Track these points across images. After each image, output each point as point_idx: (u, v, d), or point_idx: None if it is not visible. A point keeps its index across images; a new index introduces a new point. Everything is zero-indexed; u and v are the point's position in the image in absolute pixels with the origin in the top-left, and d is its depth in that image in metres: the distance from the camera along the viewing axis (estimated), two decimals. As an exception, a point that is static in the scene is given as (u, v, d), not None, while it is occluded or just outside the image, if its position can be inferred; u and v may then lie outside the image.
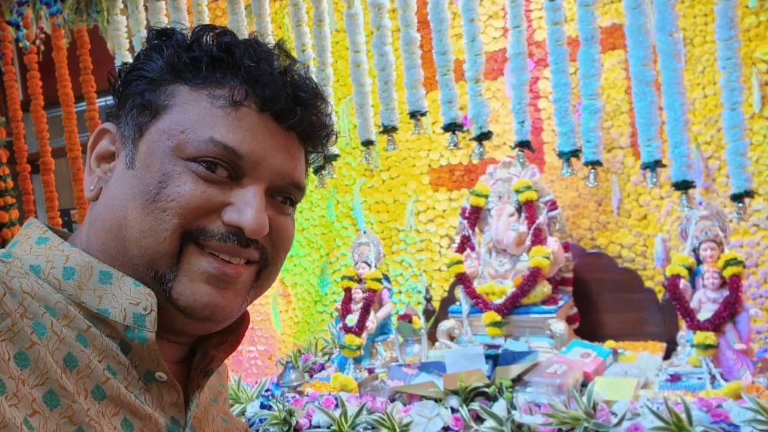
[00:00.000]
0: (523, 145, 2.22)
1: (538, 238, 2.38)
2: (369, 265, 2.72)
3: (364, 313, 2.61)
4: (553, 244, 2.39)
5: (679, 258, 2.08)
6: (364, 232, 2.86)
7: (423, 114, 2.46)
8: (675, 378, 1.96)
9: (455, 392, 2.09)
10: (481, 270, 2.57)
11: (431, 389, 2.14)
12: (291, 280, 3.56)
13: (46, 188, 3.75)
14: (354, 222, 3.35)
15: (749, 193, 1.88)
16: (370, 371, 2.57)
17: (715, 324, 1.92)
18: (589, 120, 2.05)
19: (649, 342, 2.40)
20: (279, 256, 0.66)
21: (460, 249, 2.61)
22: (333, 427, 2.15)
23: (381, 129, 2.53)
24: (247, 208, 0.60)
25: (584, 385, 1.93)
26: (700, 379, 1.92)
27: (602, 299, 2.57)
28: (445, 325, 2.57)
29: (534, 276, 2.31)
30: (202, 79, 0.61)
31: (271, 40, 0.68)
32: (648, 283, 2.54)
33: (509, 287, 2.40)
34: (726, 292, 1.95)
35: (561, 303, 2.39)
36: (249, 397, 2.50)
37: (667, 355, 2.25)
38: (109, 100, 0.67)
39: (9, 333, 0.51)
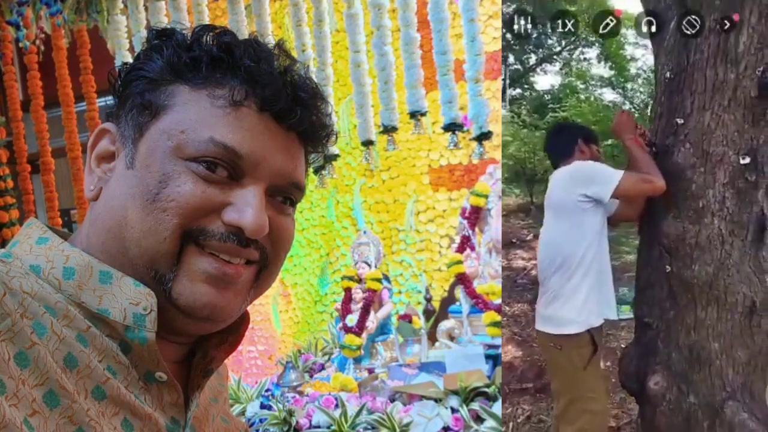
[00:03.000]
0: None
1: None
2: (369, 265, 2.72)
3: (364, 313, 2.61)
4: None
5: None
6: (364, 232, 2.86)
7: (423, 114, 2.46)
8: None
9: (455, 392, 2.09)
10: (481, 270, 2.57)
11: (431, 389, 2.14)
12: (291, 280, 3.56)
13: (46, 188, 3.75)
14: (354, 222, 3.35)
15: None
16: (370, 371, 2.57)
17: None
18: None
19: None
20: (279, 256, 0.66)
21: (460, 249, 2.62)
22: (333, 427, 2.15)
23: (381, 129, 2.53)
24: (247, 208, 0.60)
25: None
26: None
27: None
28: (445, 325, 2.58)
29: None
30: (202, 79, 0.61)
31: (271, 40, 0.67)
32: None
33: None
34: None
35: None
36: (249, 397, 2.50)
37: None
38: (109, 100, 0.67)
39: (9, 333, 0.51)
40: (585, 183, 1.92)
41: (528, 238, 7.45)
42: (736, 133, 1.64)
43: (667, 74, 1.81)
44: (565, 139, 2.14)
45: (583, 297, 1.94)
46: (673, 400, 1.79)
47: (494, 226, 2.51)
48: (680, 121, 1.75)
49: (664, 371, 1.81)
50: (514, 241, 6.93)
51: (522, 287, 5.48)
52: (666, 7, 1.82)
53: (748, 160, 1.63)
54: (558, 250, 1.99)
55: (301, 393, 2.49)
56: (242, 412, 2.39)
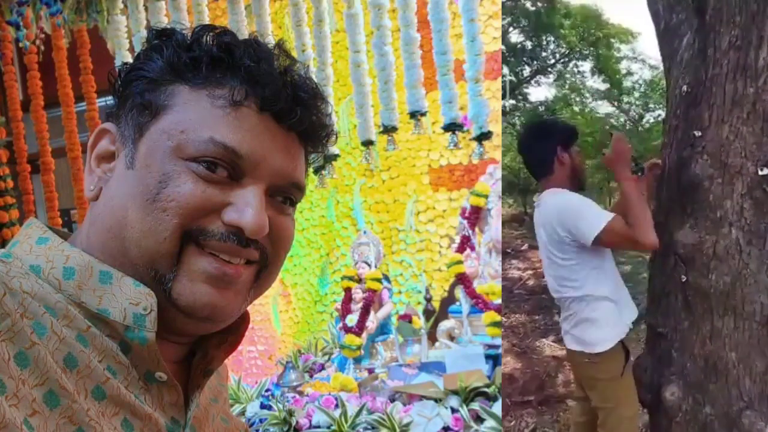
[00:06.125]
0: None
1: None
2: (369, 265, 2.72)
3: (364, 313, 2.61)
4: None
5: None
6: (364, 232, 2.86)
7: (423, 114, 2.46)
8: None
9: (455, 392, 2.09)
10: (481, 270, 2.57)
11: (431, 389, 2.14)
12: (291, 280, 3.56)
13: (46, 188, 3.75)
14: (354, 222, 3.35)
15: None
16: (370, 371, 2.57)
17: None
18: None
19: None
20: (279, 256, 0.66)
21: (460, 249, 2.62)
22: (333, 427, 2.15)
23: (381, 129, 2.53)
24: (247, 208, 0.60)
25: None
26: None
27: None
28: (445, 325, 2.58)
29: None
30: (202, 79, 0.61)
31: (271, 40, 0.67)
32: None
33: (509, 287, 2.40)
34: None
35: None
36: (249, 397, 2.50)
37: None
38: (109, 100, 0.67)
39: (9, 333, 0.51)
40: (568, 224, 1.87)
41: (523, 248, 7.46)
42: (754, 146, 1.64)
43: (684, 88, 1.80)
44: (542, 152, 2.01)
45: (607, 316, 1.92)
46: (689, 411, 1.77)
47: (494, 226, 2.51)
48: (698, 133, 1.74)
49: (679, 381, 1.80)
50: (509, 251, 6.93)
51: (519, 297, 5.46)
52: (679, 22, 1.82)
53: (766, 171, 1.63)
54: (573, 283, 1.95)
55: (301, 393, 2.49)
56: (242, 412, 2.39)
